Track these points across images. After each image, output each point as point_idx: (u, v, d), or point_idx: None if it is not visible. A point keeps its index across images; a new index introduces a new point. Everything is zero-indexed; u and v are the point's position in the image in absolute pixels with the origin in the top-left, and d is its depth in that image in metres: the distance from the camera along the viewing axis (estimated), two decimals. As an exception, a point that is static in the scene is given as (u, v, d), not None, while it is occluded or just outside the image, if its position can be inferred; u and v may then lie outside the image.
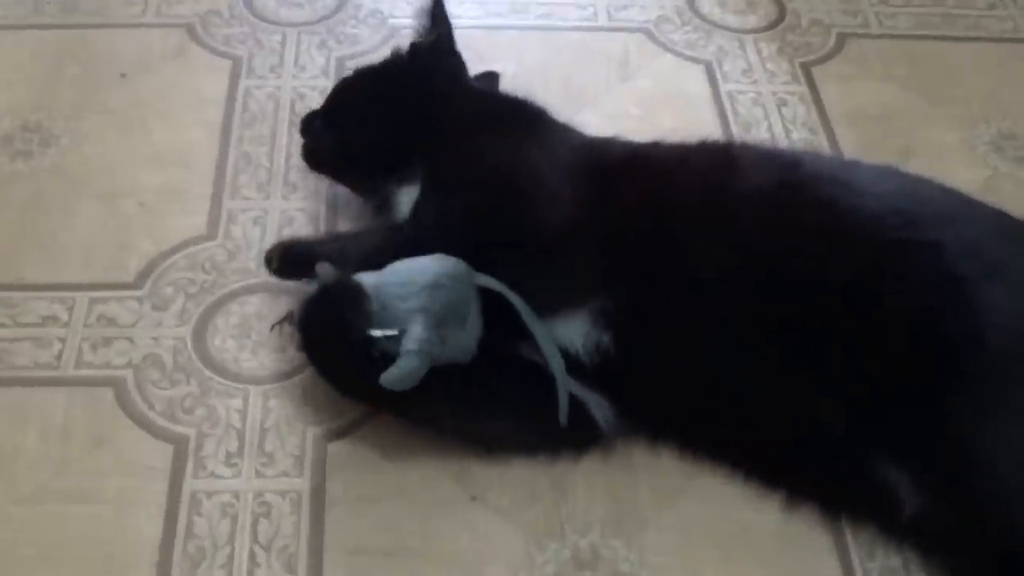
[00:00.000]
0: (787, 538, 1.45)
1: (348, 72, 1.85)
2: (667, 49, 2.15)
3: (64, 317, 1.64)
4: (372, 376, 1.38)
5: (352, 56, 2.07)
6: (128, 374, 1.58)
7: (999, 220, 1.49)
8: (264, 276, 1.68)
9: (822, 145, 1.95)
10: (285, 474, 1.48)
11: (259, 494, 1.46)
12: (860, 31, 2.23)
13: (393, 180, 1.65)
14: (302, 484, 1.47)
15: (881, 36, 2.22)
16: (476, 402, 1.47)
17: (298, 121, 1.83)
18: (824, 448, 1.41)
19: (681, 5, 2.26)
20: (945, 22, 2.26)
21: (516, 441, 1.50)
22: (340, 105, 1.74)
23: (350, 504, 1.46)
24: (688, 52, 2.15)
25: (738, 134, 1.96)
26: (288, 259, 1.56)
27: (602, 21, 2.21)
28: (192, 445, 1.50)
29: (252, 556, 1.40)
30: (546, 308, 1.47)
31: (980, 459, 1.31)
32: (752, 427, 1.45)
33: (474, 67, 1.79)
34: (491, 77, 1.84)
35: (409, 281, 1.41)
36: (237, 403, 1.55)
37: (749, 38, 2.20)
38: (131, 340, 1.62)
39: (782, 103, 2.05)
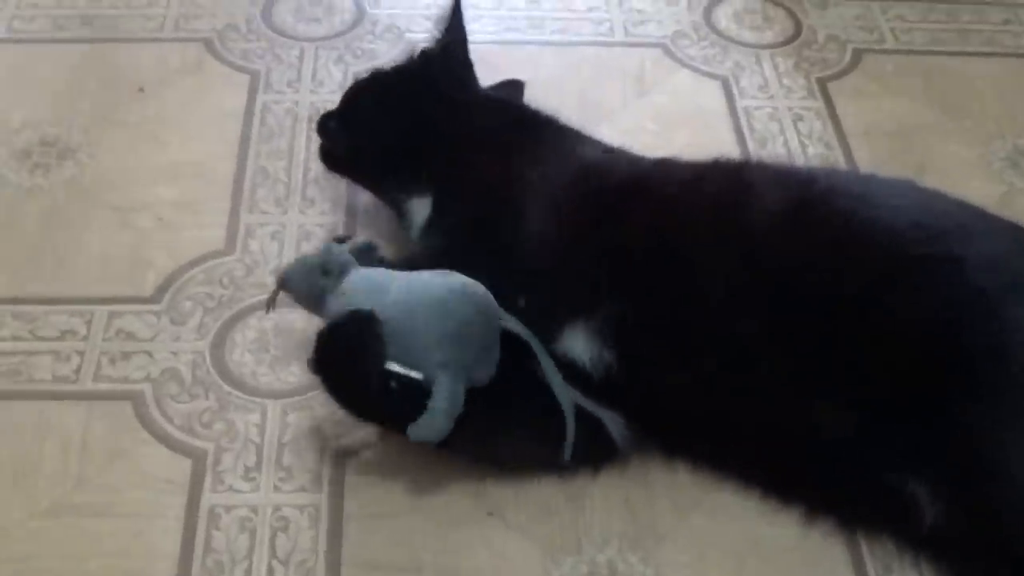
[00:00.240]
0: (803, 552, 1.45)
1: (363, 74, 1.86)
2: (684, 64, 2.15)
3: (82, 331, 1.65)
4: (390, 407, 1.39)
5: (369, 71, 2.07)
6: (146, 388, 1.58)
7: (1018, 234, 1.49)
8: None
9: (838, 160, 1.96)
10: (303, 489, 1.48)
11: (277, 508, 1.46)
12: (876, 47, 2.23)
13: (404, 188, 1.67)
14: (320, 499, 1.47)
15: (897, 51, 2.22)
16: (491, 421, 1.46)
17: (315, 135, 1.84)
18: (841, 461, 1.40)
19: (698, 20, 2.27)
20: (961, 37, 2.26)
21: (531, 459, 1.50)
22: (352, 106, 1.76)
23: (368, 519, 1.46)
24: (705, 67, 2.15)
25: (754, 149, 1.97)
26: None
27: (619, 36, 2.22)
28: (210, 459, 1.51)
29: (270, 571, 1.40)
30: (547, 323, 1.47)
31: (999, 469, 1.31)
32: (766, 442, 1.45)
33: (490, 81, 1.79)
34: (514, 85, 1.85)
35: (434, 325, 1.39)
36: (255, 417, 1.55)
37: (766, 53, 2.20)
38: (149, 354, 1.62)
39: (798, 118, 2.05)
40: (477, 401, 1.40)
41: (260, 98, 2.02)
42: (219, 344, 1.64)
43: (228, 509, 1.46)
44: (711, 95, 2.10)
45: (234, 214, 1.82)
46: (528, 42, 2.19)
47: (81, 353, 1.62)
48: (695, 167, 1.59)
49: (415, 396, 1.38)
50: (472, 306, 1.41)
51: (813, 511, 1.46)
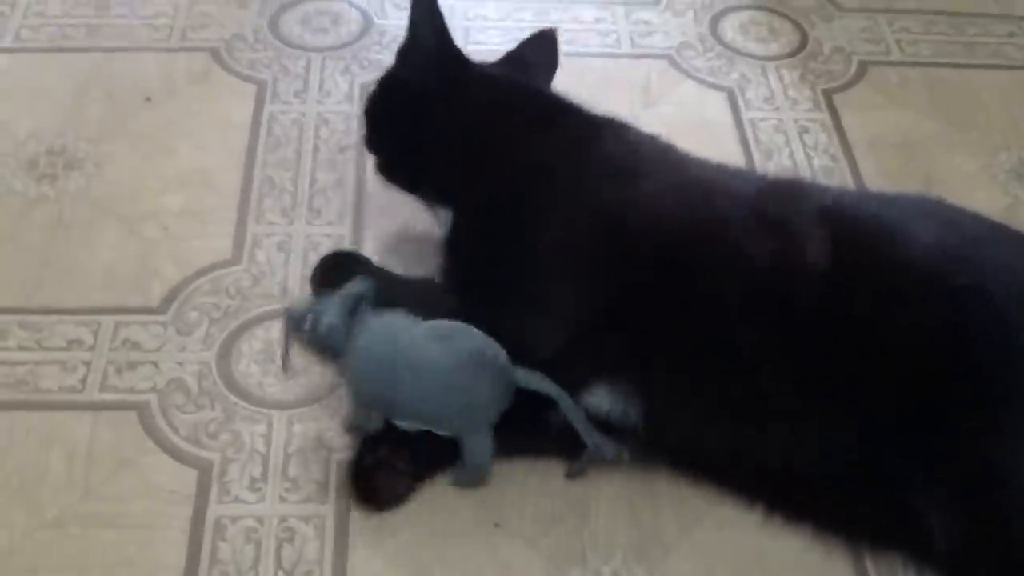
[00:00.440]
0: (807, 565, 1.45)
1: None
2: (689, 76, 2.15)
3: (89, 341, 1.65)
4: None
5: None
6: (153, 398, 1.59)
7: None
8: (288, 301, 1.69)
9: (843, 172, 1.96)
10: (309, 499, 1.49)
11: (283, 519, 1.46)
12: (882, 59, 2.23)
13: (429, 198, 1.68)
14: (326, 509, 1.48)
15: (902, 64, 2.22)
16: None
17: (322, 145, 1.85)
18: (852, 480, 1.41)
19: (704, 32, 2.27)
20: (966, 50, 2.26)
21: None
22: (370, 120, 1.75)
23: (373, 530, 1.46)
24: (710, 79, 2.15)
25: (760, 161, 1.97)
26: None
27: (625, 48, 2.22)
28: (216, 470, 1.51)
29: (276, 581, 1.41)
30: (567, 383, 1.48)
31: (1008, 478, 1.32)
32: (780, 468, 1.46)
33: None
34: (545, 39, 1.80)
35: (452, 400, 1.44)
36: (261, 428, 1.56)
37: (771, 65, 2.20)
38: (156, 364, 1.63)
39: (804, 130, 2.05)
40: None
41: (267, 108, 2.03)
42: (225, 354, 1.64)
43: (234, 520, 1.46)
44: (717, 106, 2.10)
45: (240, 224, 1.82)
46: (534, 53, 2.19)
47: (87, 363, 1.62)
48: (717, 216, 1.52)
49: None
50: (485, 375, 1.45)
51: (821, 528, 1.46)
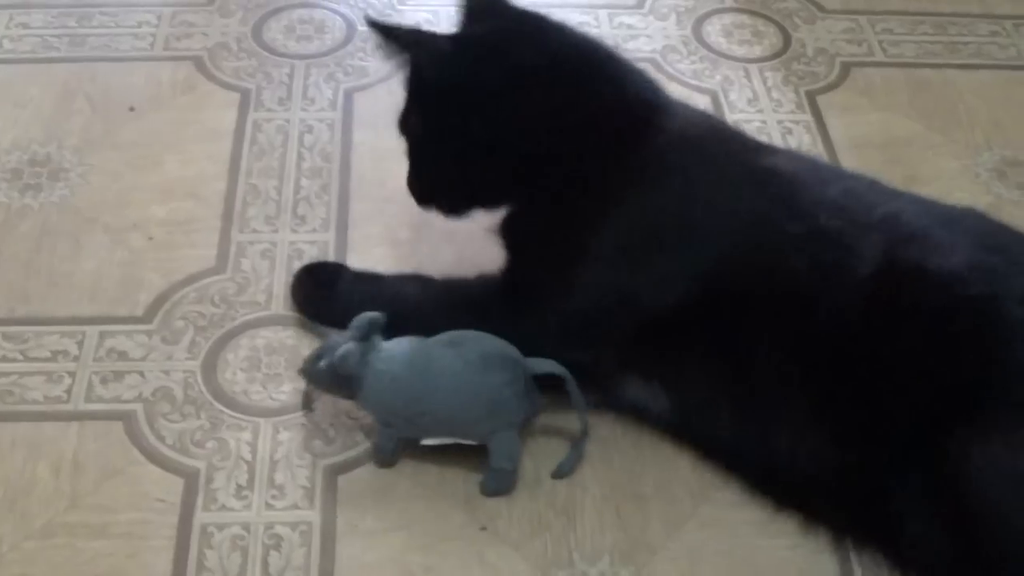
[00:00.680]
0: (794, 564, 1.45)
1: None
2: (673, 79, 2.15)
3: (74, 351, 1.65)
4: None
5: (361, 88, 2.09)
6: (138, 408, 1.59)
7: None
8: (273, 309, 1.70)
9: (827, 173, 1.96)
10: (295, 506, 1.49)
11: (269, 526, 1.47)
12: (865, 60, 2.24)
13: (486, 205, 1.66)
14: (312, 516, 1.48)
15: (885, 64, 2.23)
16: None
17: (306, 153, 1.85)
18: (844, 480, 1.43)
19: (687, 35, 2.27)
20: (949, 50, 2.27)
21: None
22: (419, 151, 1.68)
23: (360, 535, 1.46)
24: (694, 82, 2.16)
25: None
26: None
27: (608, 51, 2.22)
28: (202, 478, 1.51)
29: (263, 588, 1.41)
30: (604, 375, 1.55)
31: (987, 505, 1.33)
32: (780, 458, 1.48)
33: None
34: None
35: (470, 405, 1.47)
36: (247, 436, 1.56)
37: (755, 67, 2.21)
38: (141, 374, 1.63)
39: (787, 131, 2.05)
40: None
41: (251, 116, 2.03)
42: (211, 363, 1.64)
43: (220, 527, 1.46)
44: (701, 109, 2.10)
45: (225, 233, 1.82)
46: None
47: (73, 374, 1.62)
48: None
49: None
50: (500, 371, 1.47)
51: (811, 523, 1.48)
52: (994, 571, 1.32)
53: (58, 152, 1.94)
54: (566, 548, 1.46)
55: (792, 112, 2.10)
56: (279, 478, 1.51)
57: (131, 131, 2.00)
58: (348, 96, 2.07)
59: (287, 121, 2.02)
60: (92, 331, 1.67)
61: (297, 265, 1.75)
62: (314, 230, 1.83)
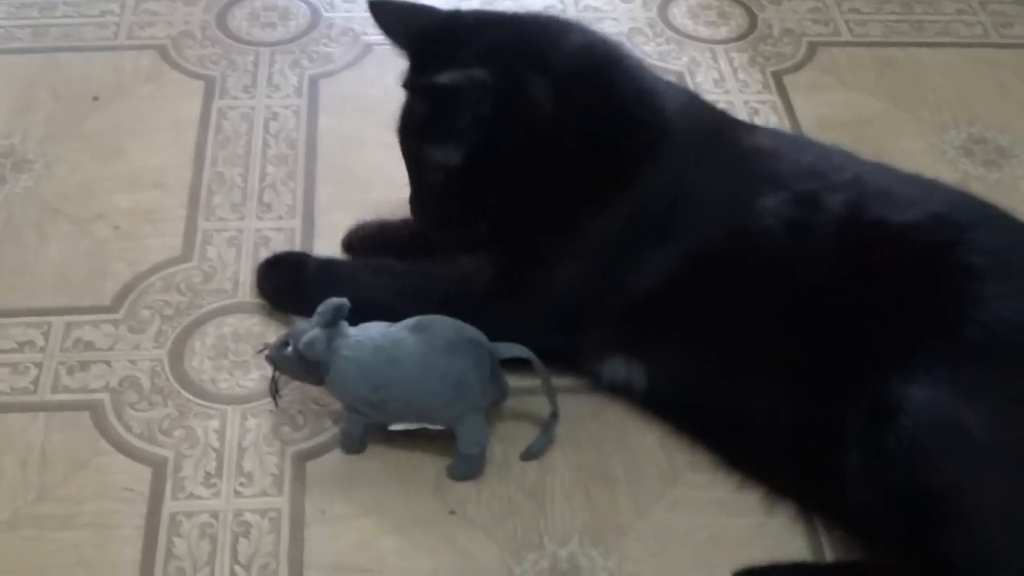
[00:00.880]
0: (764, 542, 1.46)
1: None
2: (639, 61, 2.15)
3: (40, 342, 1.64)
4: None
5: (326, 74, 2.08)
6: (105, 397, 1.58)
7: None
8: (240, 297, 1.69)
9: (794, 153, 1.96)
10: (264, 493, 1.48)
11: (238, 513, 1.46)
12: (831, 39, 2.24)
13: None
14: (281, 502, 1.47)
15: (852, 44, 2.23)
16: None
17: (272, 140, 1.85)
18: (808, 438, 1.44)
19: (653, 17, 2.27)
20: (915, 28, 2.27)
21: None
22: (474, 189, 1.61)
23: (329, 521, 1.46)
24: (661, 64, 2.15)
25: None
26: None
27: (574, 34, 2.22)
28: (171, 467, 1.51)
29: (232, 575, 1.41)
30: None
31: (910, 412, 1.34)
32: (750, 420, 1.50)
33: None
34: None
35: (435, 390, 1.46)
36: (215, 423, 1.55)
37: (721, 48, 2.21)
38: (108, 363, 1.62)
39: (754, 112, 2.05)
40: None
41: (216, 104, 2.02)
42: (178, 351, 1.64)
43: (189, 516, 1.46)
44: (667, 91, 2.10)
45: (191, 221, 1.81)
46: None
47: (39, 364, 1.62)
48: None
49: None
50: (466, 355, 1.47)
51: (775, 495, 1.49)
52: (922, 519, 1.33)
53: (22, 143, 1.93)
54: (536, 531, 1.46)
55: (759, 93, 2.11)
56: (247, 465, 1.51)
57: (95, 121, 1.99)
58: (313, 83, 2.07)
59: (252, 108, 2.01)
60: (58, 321, 1.67)
61: (264, 253, 1.74)
62: (280, 217, 1.82)
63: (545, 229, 1.55)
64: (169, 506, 1.47)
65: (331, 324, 1.46)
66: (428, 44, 1.56)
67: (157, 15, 2.21)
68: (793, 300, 1.47)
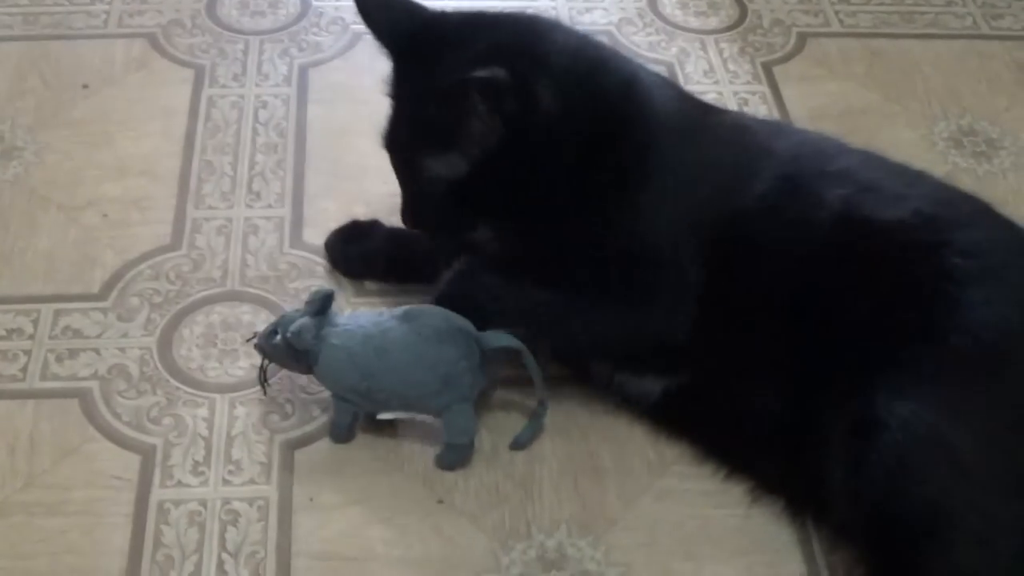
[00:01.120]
0: (751, 533, 1.46)
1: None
2: (629, 52, 2.15)
3: (29, 330, 1.64)
4: None
5: (315, 63, 2.08)
6: (94, 385, 1.58)
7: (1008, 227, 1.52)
8: (229, 285, 1.69)
9: (784, 144, 1.96)
10: (252, 481, 1.48)
11: (226, 502, 1.46)
12: (821, 30, 2.24)
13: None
14: (269, 491, 1.48)
15: (842, 35, 2.23)
16: None
17: (261, 129, 1.85)
18: (794, 439, 1.44)
19: (643, 7, 2.27)
20: (905, 19, 2.27)
21: None
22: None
23: (317, 510, 1.46)
24: (650, 54, 2.15)
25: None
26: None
27: (564, 24, 2.22)
28: (159, 455, 1.51)
29: (220, 564, 1.40)
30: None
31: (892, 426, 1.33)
32: (737, 421, 1.50)
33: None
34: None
35: (424, 378, 1.46)
36: (203, 412, 1.55)
37: (711, 39, 2.21)
38: (97, 351, 1.62)
39: (744, 103, 2.06)
40: None
41: (205, 92, 2.02)
42: (166, 340, 1.64)
43: (177, 504, 1.46)
44: (657, 81, 2.10)
45: (180, 209, 1.81)
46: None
47: (28, 352, 1.61)
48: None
49: None
50: (453, 344, 1.46)
51: (760, 489, 1.49)
52: (901, 539, 1.32)
53: (11, 131, 1.93)
54: (524, 520, 1.46)
55: (748, 83, 2.11)
56: (236, 454, 1.51)
57: (85, 109, 1.98)
58: (303, 71, 2.06)
59: (241, 97, 2.01)
60: (47, 309, 1.67)
61: (253, 241, 1.75)
62: (269, 206, 1.82)
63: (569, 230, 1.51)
64: (157, 494, 1.47)
65: (320, 313, 1.47)
66: (416, 46, 1.52)
67: (147, 3, 2.20)
68: (780, 298, 1.46)
